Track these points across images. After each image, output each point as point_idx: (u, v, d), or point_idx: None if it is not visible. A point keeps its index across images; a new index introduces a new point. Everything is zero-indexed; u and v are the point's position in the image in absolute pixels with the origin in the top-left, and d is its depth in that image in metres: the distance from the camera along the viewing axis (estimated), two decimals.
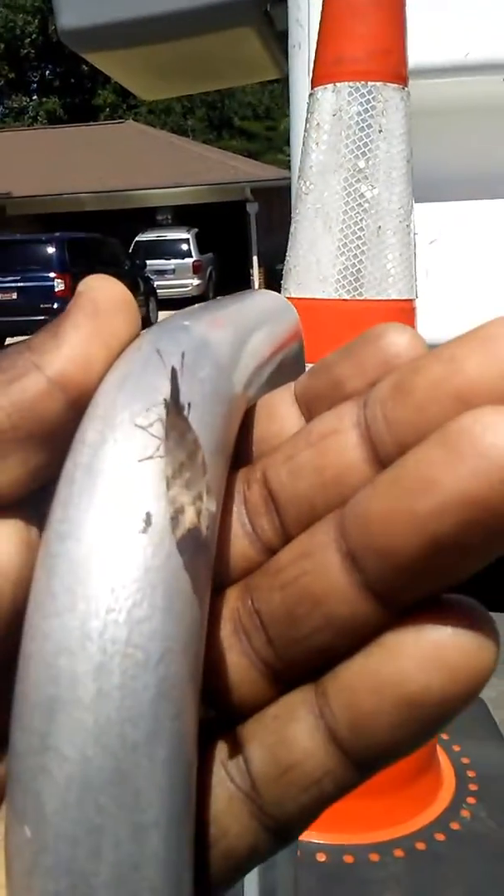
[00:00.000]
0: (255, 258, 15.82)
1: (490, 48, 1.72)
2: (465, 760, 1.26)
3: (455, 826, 1.11)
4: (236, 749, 0.16)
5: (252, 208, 15.66)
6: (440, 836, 1.08)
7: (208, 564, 0.15)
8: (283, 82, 2.61)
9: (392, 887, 1.00)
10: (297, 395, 0.19)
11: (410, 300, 1.09)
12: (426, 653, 0.14)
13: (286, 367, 0.25)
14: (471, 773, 1.23)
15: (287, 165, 2.28)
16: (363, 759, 0.15)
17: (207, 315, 0.20)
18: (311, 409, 0.18)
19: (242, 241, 15.78)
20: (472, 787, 1.20)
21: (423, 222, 1.64)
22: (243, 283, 15.89)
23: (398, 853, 1.05)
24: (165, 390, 0.16)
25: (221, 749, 0.16)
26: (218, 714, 0.17)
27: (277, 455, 0.17)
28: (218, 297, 0.24)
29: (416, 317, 1.11)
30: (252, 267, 15.86)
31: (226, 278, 15.62)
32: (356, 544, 0.14)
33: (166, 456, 0.15)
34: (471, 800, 1.16)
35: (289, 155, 2.11)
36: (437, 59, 1.71)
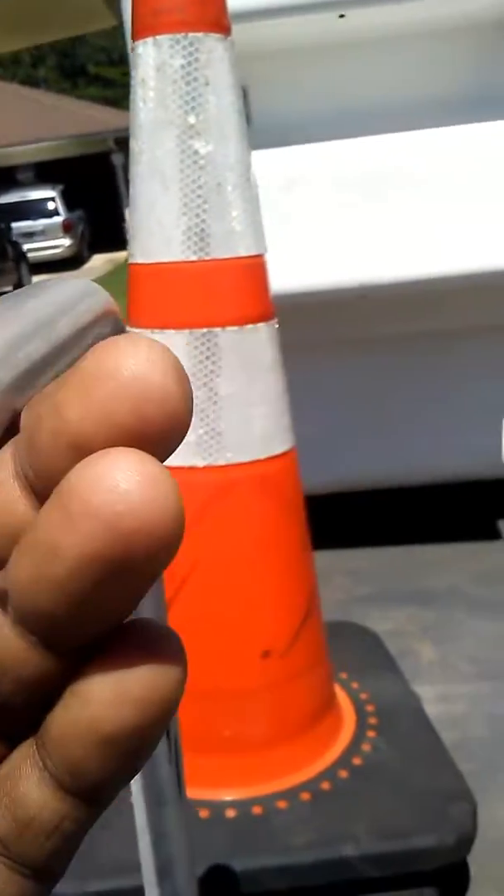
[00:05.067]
0: (126, 212, 15.41)
1: None
2: (363, 696, 1.30)
3: (357, 761, 1.15)
4: None
5: (117, 159, 15.16)
6: (343, 774, 1.12)
7: None
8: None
9: (301, 830, 1.03)
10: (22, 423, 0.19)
11: (260, 255, 1.08)
12: (112, 693, 0.15)
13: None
14: (370, 708, 1.27)
15: None
16: (90, 797, 0.16)
17: None
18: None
19: (112, 194, 15.31)
20: (372, 721, 1.24)
21: (271, 169, 1.62)
22: (117, 239, 15.49)
23: (304, 796, 1.08)
24: None
25: None
26: None
27: None
28: (7, 294, 0.22)
29: (267, 271, 1.10)
30: (124, 221, 15.45)
31: (99, 235, 15.15)
32: (19, 612, 0.15)
33: None
34: (371, 733, 1.21)
35: None
36: None
